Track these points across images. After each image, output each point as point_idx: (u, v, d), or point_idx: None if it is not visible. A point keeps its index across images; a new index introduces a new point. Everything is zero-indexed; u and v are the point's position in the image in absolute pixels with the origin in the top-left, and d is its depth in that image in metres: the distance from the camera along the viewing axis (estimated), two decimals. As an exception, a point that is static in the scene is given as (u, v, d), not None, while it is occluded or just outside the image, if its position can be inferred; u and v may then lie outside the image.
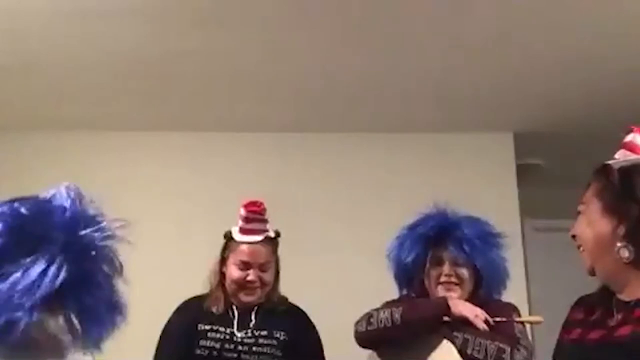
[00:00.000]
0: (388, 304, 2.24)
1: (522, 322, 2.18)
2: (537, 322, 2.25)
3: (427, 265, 2.26)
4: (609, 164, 1.55)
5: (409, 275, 2.30)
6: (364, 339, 2.20)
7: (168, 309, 2.47)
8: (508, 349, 2.02)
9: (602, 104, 3.67)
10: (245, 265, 2.39)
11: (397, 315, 2.12)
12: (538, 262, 4.35)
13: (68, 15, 2.83)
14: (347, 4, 2.81)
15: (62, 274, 1.16)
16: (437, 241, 2.26)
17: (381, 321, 2.14)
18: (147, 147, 4.00)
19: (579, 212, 1.56)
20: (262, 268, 2.40)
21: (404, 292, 2.35)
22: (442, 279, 2.23)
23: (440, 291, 2.22)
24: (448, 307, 2.10)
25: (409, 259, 2.26)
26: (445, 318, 2.10)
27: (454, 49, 3.17)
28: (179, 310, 2.45)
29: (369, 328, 2.17)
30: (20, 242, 1.18)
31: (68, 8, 2.78)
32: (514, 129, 4.05)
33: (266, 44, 3.11)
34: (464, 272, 2.23)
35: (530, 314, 3.35)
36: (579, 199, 1.58)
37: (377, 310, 2.21)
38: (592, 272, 1.53)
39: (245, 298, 2.39)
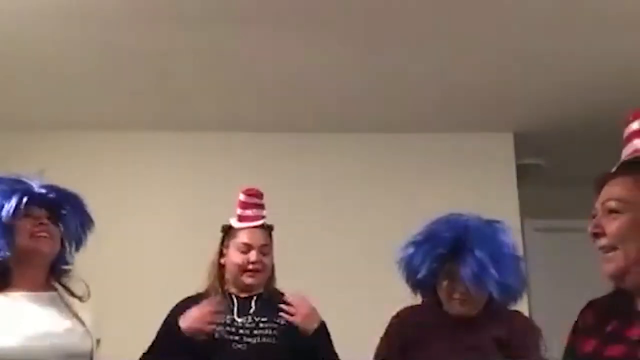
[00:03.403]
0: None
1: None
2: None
3: (440, 277, 2.21)
4: None
5: (420, 286, 2.26)
6: None
7: (168, 307, 2.47)
8: None
9: (603, 103, 3.67)
10: (246, 247, 2.42)
11: None
12: (538, 262, 4.36)
13: (65, 16, 2.83)
14: (347, 4, 2.81)
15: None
16: (452, 255, 2.19)
17: None
18: (147, 147, 4.00)
19: (611, 211, 1.41)
20: (262, 250, 2.43)
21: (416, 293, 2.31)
22: (456, 295, 2.18)
23: (454, 306, 2.19)
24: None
25: (421, 274, 2.21)
26: None
27: (454, 50, 3.17)
28: (177, 306, 2.45)
29: None
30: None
31: (65, 9, 2.78)
32: (514, 129, 4.06)
33: (266, 43, 3.10)
34: (478, 289, 2.17)
35: (530, 314, 3.35)
36: (596, 195, 1.44)
37: None
38: (621, 276, 1.40)
39: (248, 280, 2.40)
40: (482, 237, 2.20)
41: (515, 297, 2.24)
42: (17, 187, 2.07)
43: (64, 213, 2.13)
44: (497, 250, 2.19)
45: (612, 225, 1.40)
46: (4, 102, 3.62)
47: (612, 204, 1.41)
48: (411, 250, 2.25)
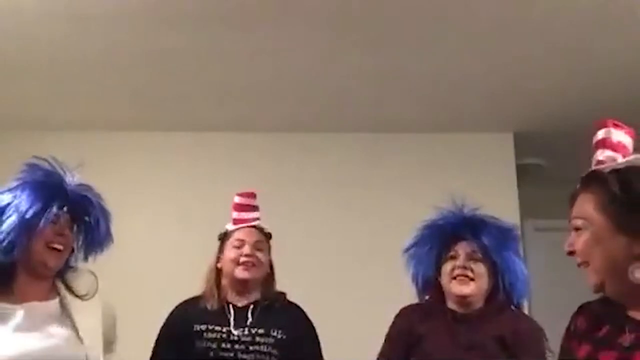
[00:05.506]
0: None
1: None
2: None
3: (443, 261, 2.19)
4: (599, 171, 1.42)
5: (427, 272, 2.23)
6: None
7: (165, 308, 2.47)
8: None
9: (603, 103, 3.66)
10: (240, 243, 2.43)
11: None
12: (538, 262, 4.35)
13: (67, 16, 2.83)
14: (347, 4, 2.81)
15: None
16: (456, 236, 2.18)
17: None
18: (147, 147, 4.00)
19: (575, 228, 1.44)
20: (256, 246, 2.44)
21: (421, 294, 2.29)
22: (456, 271, 2.14)
23: (454, 286, 2.14)
24: None
25: (428, 253, 2.20)
26: None
27: (454, 50, 3.17)
28: (173, 313, 2.45)
29: None
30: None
31: (67, 9, 2.78)
32: (514, 129, 4.06)
33: (265, 43, 3.10)
34: (481, 266, 2.15)
35: (530, 314, 3.35)
36: (569, 211, 1.46)
37: None
38: (600, 289, 1.42)
39: (241, 274, 2.39)
40: (488, 217, 2.22)
41: (520, 280, 2.20)
42: (54, 192, 2.05)
43: (88, 220, 2.10)
44: (504, 228, 2.20)
45: (579, 243, 1.43)
46: (4, 102, 3.62)
47: (576, 222, 1.45)
48: (416, 237, 2.26)
